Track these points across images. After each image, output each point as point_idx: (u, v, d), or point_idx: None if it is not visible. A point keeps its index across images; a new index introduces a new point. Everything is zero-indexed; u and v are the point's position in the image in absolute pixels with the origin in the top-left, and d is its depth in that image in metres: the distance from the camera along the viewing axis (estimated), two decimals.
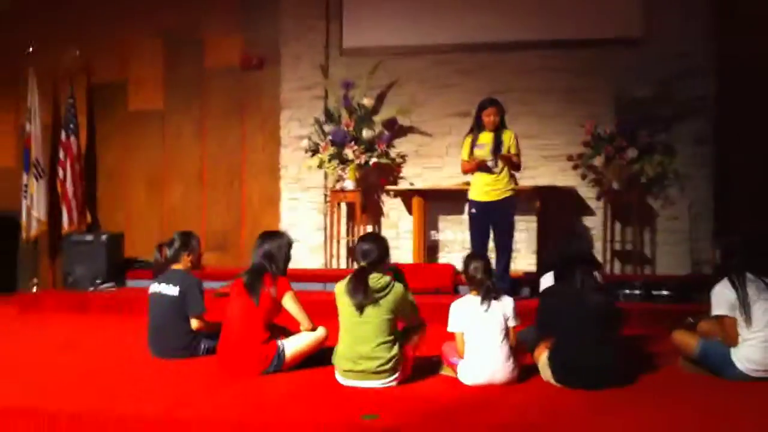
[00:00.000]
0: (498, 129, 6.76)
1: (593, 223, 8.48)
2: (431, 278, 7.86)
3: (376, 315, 4.37)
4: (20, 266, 9.72)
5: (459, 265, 5.83)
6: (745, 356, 4.50)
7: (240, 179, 9.46)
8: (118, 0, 9.70)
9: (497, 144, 6.69)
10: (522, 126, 8.50)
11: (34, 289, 9.09)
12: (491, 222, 6.78)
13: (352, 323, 4.40)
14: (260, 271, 4.76)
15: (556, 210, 8.37)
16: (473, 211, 6.84)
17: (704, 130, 8.20)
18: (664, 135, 8.17)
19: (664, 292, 6.92)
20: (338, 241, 8.99)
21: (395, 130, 8.96)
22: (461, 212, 8.13)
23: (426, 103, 8.92)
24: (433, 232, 8.73)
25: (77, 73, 9.62)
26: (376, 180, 8.89)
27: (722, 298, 4.61)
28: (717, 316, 4.64)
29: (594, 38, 8.51)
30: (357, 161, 8.48)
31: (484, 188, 6.77)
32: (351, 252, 8.82)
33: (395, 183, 8.95)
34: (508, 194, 6.77)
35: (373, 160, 8.55)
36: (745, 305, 4.52)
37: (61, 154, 9.33)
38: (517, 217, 8.26)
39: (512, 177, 6.83)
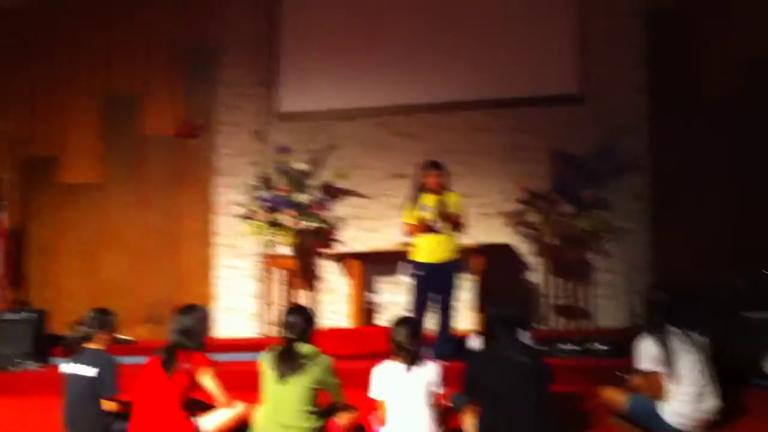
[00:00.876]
0: (442, 191, 6.73)
1: (534, 279, 8.48)
2: (367, 342, 7.74)
3: (299, 383, 4.33)
4: None
5: None
6: (674, 410, 4.49)
7: (176, 248, 9.31)
8: (56, 67, 9.65)
9: (442, 206, 6.65)
10: (462, 186, 8.42)
11: None
12: (436, 284, 6.71)
13: (275, 392, 4.33)
14: (176, 347, 4.64)
15: (497, 267, 8.37)
16: (419, 272, 6.74)
17: (641, 185, 8.35)
18: (602, 190, 8.22)
19: (601, 347, 6.89)
20: (273, 309, 8.83)
21: (332, 193, 8.93)
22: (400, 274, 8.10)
23: (366, 166, 8.95)
24: (370, 294, 8.65)
25: (10, 144, 9.46)
26: (312, 244, 8.81)
27: (646, 352, 4.62)
28: (643, 371, 4.62)
29: (531, 96, 8.68)
30: (294, 227, 8.40)
31: (430, 250, 6.72)
32: None
33: (332, 247, 8.88)
34: (453, 256, 6.74)
35: (312, 224, 8.49)
36: (670, 361, 4.50)
37: None
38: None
39: (457, 238, 6.79)
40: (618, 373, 5.16)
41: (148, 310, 9.19)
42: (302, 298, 8.78)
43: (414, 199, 6.80)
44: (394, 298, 8.47)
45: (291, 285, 8.70)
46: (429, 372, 4.44)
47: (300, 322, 4.55)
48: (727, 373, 4.73)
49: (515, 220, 8.40)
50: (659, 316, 4.69)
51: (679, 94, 8.35)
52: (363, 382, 4.65)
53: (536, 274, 8.49)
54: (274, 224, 8.50)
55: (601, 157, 8.17)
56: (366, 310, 8.57)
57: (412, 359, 4.42)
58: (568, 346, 7.08)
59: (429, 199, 6.74)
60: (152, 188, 9.42)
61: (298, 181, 8.66)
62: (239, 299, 9.02)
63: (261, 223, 8.48)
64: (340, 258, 8.76)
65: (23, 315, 8.34)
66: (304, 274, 8.86)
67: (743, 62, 8.18)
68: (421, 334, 4.58)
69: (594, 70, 8.55)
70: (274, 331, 8.73)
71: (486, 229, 8.57)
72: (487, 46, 8.81)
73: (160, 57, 9.50)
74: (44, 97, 9.65)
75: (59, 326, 8.87)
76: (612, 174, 8.24)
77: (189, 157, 9.35)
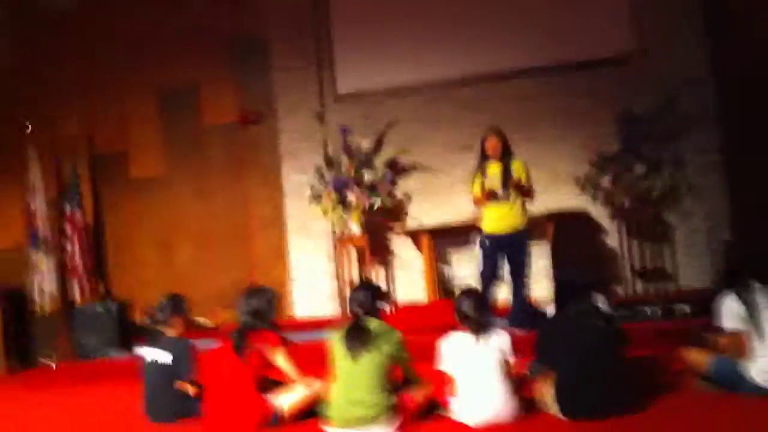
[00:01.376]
0: (505, 157, 6.66)
1: (611, 244, 8.29)
2: (442, 315, 7.69)
3: (372, 360, 4.30)
4: (35, 341, 9.70)
5: None
6: (760, 369, 4.32)
7: (247, 234, 9.42)
8: (113, 67, 9.79)
9: (506, 174, 6.58)
10: (527, 153, 8.37)
11: (49, 363, 9.05)
12: (505, 255, 6.63)
13: (347, 370, 4.33)
14: (246, 328, 4.70)
15: (571, 234, 8.24)
16: (486, 243, 6.68)
17: (711, 139, 8.11)
18: (672, 148, 7.99)
19: (684, 308, 6.71)
20: (351, 287, 8.85)
21: (398, 169, 8.90)
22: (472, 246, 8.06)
23: (428, 140, 8.89)
24: (445, 267, 8.57)
25: (78, 145, 9.69)
26: (383, 221, 8.80)
27: (729, 311, 4.45)
28: (725, 331, 4.46)
29: (589, 60, 8.49)
30: (361, 206, 8.40)
31: (497, 220, 6.64)
32: None
33: (402, 222, 8.85)
34: (521, 226, 6.63)
35: (378, 203, 8.47)
36: (754, 318, 4.33)
37: (68, 229, 9.37)
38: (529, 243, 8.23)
39: (525, 208, 6.67)
40: (700, 333, 5.01)
41: (224, 296, 9.31)
42: (376, 275, 8.78)
43: (479, 169, 6.71)
44: (468, 270, 8.41)
45: (364, 263, 8.70)
46: (499, 341, 4.40)
47: (367, 297, 4.52)
48: None
49: (587, 184, 8.17)
50: (741, 271, 4.50)
51: (741, 41, 8.02)
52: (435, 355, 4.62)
53: (613, 238, 8.32)
54: (343, 204, 8.50)
55: (667, 113, 7.96)
56: (440, 284, 8.50)
57: (479, 329, 4.37)
58: (650, 309, 6.95)
59: (493, 168, 6.65)
60: (216, 177, 9.55)
61: (362, 159, 8.65)
62: (314, 279, 9.09)
63: (329, 204, 8.49)
64: (411, 233, 8.73)
65: (105, 306, 8.66)
66: (377, 252, 8.85)
67: None
68: (488, 303, 4.53)
69: (650, 26, 8.35)
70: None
71: (557, 196, 8.44)
72: (542, 12, 8.67)
73: (214, 47, 9.56)
74: (105, 94, 9.82)
75: (140, 315, 9.14)
76: (680, 130, 8.03)
77: (251, 143, 9.44)
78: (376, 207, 8.52)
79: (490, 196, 6.61)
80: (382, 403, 4.24)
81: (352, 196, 8.42)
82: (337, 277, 8.79)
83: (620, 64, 8.35)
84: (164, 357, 5.07)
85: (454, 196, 8.58)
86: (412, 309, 8.18)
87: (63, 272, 9.47)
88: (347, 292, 8.70)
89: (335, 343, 4.41)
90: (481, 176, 6.73)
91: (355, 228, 8.64)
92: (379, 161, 8.82)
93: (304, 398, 4.65)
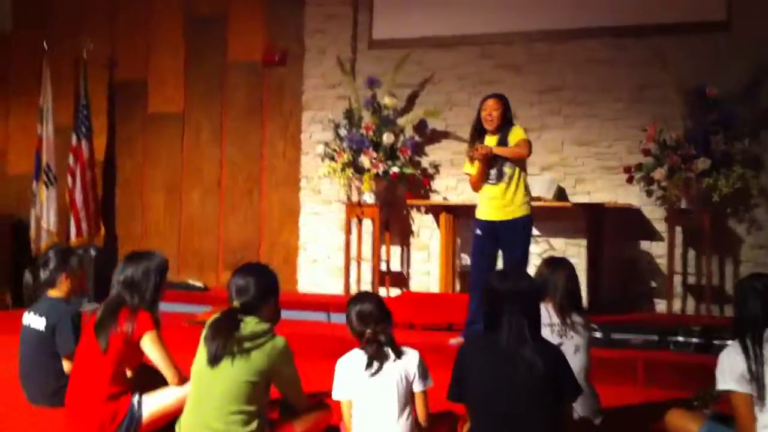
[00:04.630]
0: (503, 129, 5.62)
1: (657, 251, 7.08)
2: (445, 311, 6.74)
3: (235, 372, 3.35)
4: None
5: None
6: None
7: (259, 189, 8.64)
8: None
9: (502, 145, 5.56)
10: (576, 131, 7.52)
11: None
12: (500, 246, 5.65)
13: (201, 379, 3.43)
14: (116, 304, 3.85)
15: (613, 231, 7.14)
16: (477, 231, 5.75)
17: None
18: (748, 143, 6.68)
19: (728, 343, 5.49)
20: (360, 263, 7.95)
21: (427, 135, 7.91)
22: None
23: (465, 104, 7.80)
24: (464, 256, 7.52)
25: (97, 69, 9.07)
26: (403, 193, 7.82)
27: (728, 366, 3.33)
28: (724, 392, 3.34)
29: (665, 23, 7.20)
30: (374, 170, 7.44)
31: (491, 204, 5.65)
32: (378, 276, 7.79)
33: (426, 197, 7.85)
34: (520, 212, 5.61)
35: (393, 169, 7.48)
36: (758, 377, 3.20)
37: (71, 160, 8.80)
38: (564, 240, 7.15)
39: (526, 189, 5.62)
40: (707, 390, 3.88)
41: (231, 255, 8.61)
42: (388, 253, 7.85)
43: (472, 144, 5.68)
44: None
45: (379, 238, 7.76)
46: (407, 364, 3.43)
47: (253, 285, 3.51)
48: None
49: (639, 175, 6.95)
50: (753, 315, 3.35)
51: None
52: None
53: (660, 244, 7.07)
54: (355, 167, 7.57)
55: (750, 99, 6.65)
56: (457, 273, 7.47)
57: (375, 348, 3.41)
58: (683, 338, 5.76)
59: (491, 141, 5.62)
60: (234, 121, 8.77)
61: (387, 118, 7.68)
62: (324, 251, 8.26)
63: (339, 165, 7.58)
64: (432, 210, 7.73)
65: (91, 252, 8.06)
66: (394, 228, 7.91)
67: None
68: (381, 315, 3.50)
69: None
70: (360, 290, 7.90)
71: (603, 185, 7.35)
72: None
73: None
74: (130, 17, 9.20)
75: None
76: (762, 122, 6.65)
77: (274, 87, 8.61)
78: (390, 173, 7.52)
79: (485, 175, 5.58)
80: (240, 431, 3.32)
81: (365, 159, 7.46)
82: (346, 251, 7.87)
83: (702, 31, 7.05)
84: (38, 323, 4.31)
85: None
86: (409, 299, 7.19)
87: (64, 208, 8.95)
88: (356, 271, 7.87)
89: (202, 338, 3.48)
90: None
91: (368, 196, 7.70)
92: (407, 122, 7.83)
93: (174, 403, 3.77)
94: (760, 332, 3.32)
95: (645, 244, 7.19)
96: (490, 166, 5.56)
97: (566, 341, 3.86)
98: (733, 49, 6.89)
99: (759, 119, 6.73)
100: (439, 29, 7.94)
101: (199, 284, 8.26)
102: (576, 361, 3.83)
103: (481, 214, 5.70)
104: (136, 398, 3.80)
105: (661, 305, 7.03)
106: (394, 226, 7.96)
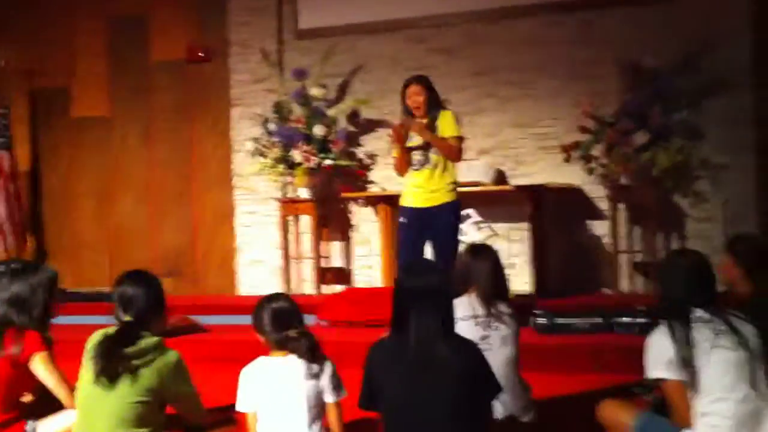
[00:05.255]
0: (431, 112, 5.42)
1: (601, 231, 6.89)
2: (388, 306, 6.44)
3: (124, 392, 3.05)
4: None
5: None
6: None
7: (190, 191, 8.29)
8: None
9: (430, 130, 5.35)
10: (513, 112, 7.26)
11: None
12: (427, 234, 5.41)
13: (87, 402, 3.12)
14: (1, 325, 3.53)
15: (556, 214, 6.96)
16: (402, 219, 5.56)
17: (740, 107, 6.55)
18: (687, 115, 6.50)
19: None
20: (300, 262, 7.67)
21: (361, 125, 7.65)
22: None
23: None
24: None
25: (16, 78, 8.68)
26: (340, 187, 7.55)
27: (656, 352, 3.10)
28: (653, 381, 3.13)
29: None
30: (306, 164, 7.16)
31: (416, 191, 5.41)
32: (320, 274, 7.51)
33: (363, 189, 7.59)
34: (447, 197, 5.41)
35: (327, 162, 7.21)
36: (687, 363, 2.97)
37: None
38: (507, 225, 6.95)
39: (453, 176, 5.42)
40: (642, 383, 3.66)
41: (166, 262, 8.29)
42: (327, 250, 7.59)
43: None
44: None
45: (317, 235, 7.49)
46: (320, 371, 3.12)
47: (143, 294, 3.23)
48: None
49: (577, 153, 6.74)
50: (679, 295, 3.13)
51: None
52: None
53: (604, 223, 6.88)
54: (287, 162, 7.28)
55: (690, 69, 6.47)
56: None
57: (292, 352, 3.13)
58: (627, 319, 5.56)
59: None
60: (162, 122, 8.44)
61: (317, 110, 7.40)
62: (263, 251, 7.96)
63: (270, 161, 7.29)
64: (369, 202, 7.47)
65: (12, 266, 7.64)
66: (334, 223, 7.64)
67: None
68: (299, 316, 3.22)
69: None
70: (301, 288, 7.62)
71: (544, 166, 7.13)
72: None
73: None
74: (49, 21, 8.79)
75: (76, 279, 8.16)
76: (702, 93, 6.50)
77: (200, 85, 8.29)
78: (323, 166, 7.24)
79: (409, 161, 5.37)
80: None
81: (296, 152, 7.18)
82: (283, 250, 7.59)
83: (636, 4, 6.83)
84: None
85: None
86: (351, 296, 6.91)
87: None
88: (293, 270, 7.60)
89: (85, 356, 3.18)
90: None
91: (303, 192, 7.43)
92: (339, 113, 7.56)
93: (72, 427, 3.45)
94: (687, 313, 3.10)
95: (589, 224, 7.01)
96: (419, 149, 5.35)
97: (492, 333, 3.63)
98: (673, 21, 6.68)
99: (699, 90, 6.53)
100: (369, 15, 7.68)
101: None
102: (504, 354, 3.61)
103: (406, 201, 5.51)
104: (30, 425, 3.48)
105: (608, 286, 6.85)
106: (333, 222, 7.70)
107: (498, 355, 3.57)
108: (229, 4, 8.11)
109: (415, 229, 5.42)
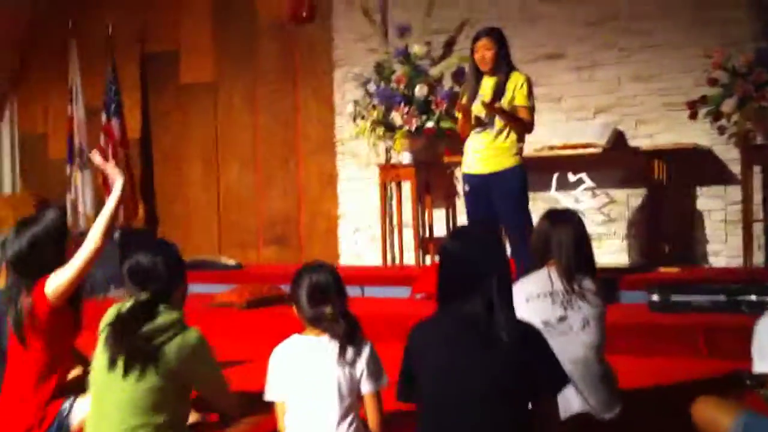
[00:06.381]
0: (499, 71, 4.99)
1: (736, 196, 6.14)
2: None
3: (138, 377, 2.72)
4: None
5: None
6: None
7: (295, 157, 8.07)
8: None
9: (498, 92, 4.90)
10: (634, 65, 6.65)
11: None
12: (492, 201, 5.01)
13: (100, 388, 2.83)
14: (15, 290, 3.22)
15: (683, 178, 6.26)
16: (466, 188, 5.19)
17: None
18: None
19: None
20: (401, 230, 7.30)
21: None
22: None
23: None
24: None
25: (126, 44, 8.69)
26: (443, 150, 7.11)
27: (766, 341, 2.56)
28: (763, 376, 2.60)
29: None
30: (406, 127, 6.76)
31: (477, 155, 5.08)
32: (423, 244, 7.14)
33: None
34: (511, 162, 4.99)
35: (428, 124, 6.78)
36: None
37: (102, 140, 8.47)
38: (626, 192, 6.39)
39: (519, 137, 5.04)
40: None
41: (271, 230, 8.17)
42: (430, 218, 7.19)
43: (465, 87, 5.08)
44: None
45: (419, 202, 7.11)
46: (352, 356, 2.74)
47: (162, 266, 2.89)
48: None
49: (704, 110, 6.02)
50: None
51: None
52: None
53: (736, 188, 6.14)
54: (387, 125, 6.90)
55: None
56: None
57: (331, 334, 2.75)
58: (756, 297, 4.92)
59: (487, 83, 4.95)
60: (267, 86, 8.22)
61: (419, 68, 6.97)
62: (365, 219, 7.66)
63: (370, 124, 6.93)
64: None
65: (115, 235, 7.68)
66: (433, 189, 7.22)
67: None
68: (342, 291, 2.84)
69: None
70: (403, 259, 7.28)
71: (667, 125, 6.41)
72: None
73: None
74: None
75: (186, 247, 8.13)
76: None
77: (305, 46, 8.00)
78: (424, 129, 6.80)
79: (478, 124, 4.96)
80: None
81: (396, 114, 6.79)
82: (383, 219, 7.24)
83: None
84: None
85: (536, 118, 6.66)
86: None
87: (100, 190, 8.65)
88: (394, 239, 7.25)
89: (100, 339, 2.86)
90: (469, 94, 5.10)
91: (406, 156, 7.04)
92: (444, 70, 7.11)
93: None
94: None
95: (718, 190, 6.27)
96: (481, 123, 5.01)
97: (572, 313, 3.14)
98: None
99: None
100: None
101: (231, 262, 7.78)
102: (584, 338, 3.13)
103: (467, 167, 5.12)
104: (68, 402, 3.27)
105: (737, 260, 6.11)
106: (436, 188, 7.26)
107: (577, 339, 3.09)
108: None
109: (481, 198, 5.03)
